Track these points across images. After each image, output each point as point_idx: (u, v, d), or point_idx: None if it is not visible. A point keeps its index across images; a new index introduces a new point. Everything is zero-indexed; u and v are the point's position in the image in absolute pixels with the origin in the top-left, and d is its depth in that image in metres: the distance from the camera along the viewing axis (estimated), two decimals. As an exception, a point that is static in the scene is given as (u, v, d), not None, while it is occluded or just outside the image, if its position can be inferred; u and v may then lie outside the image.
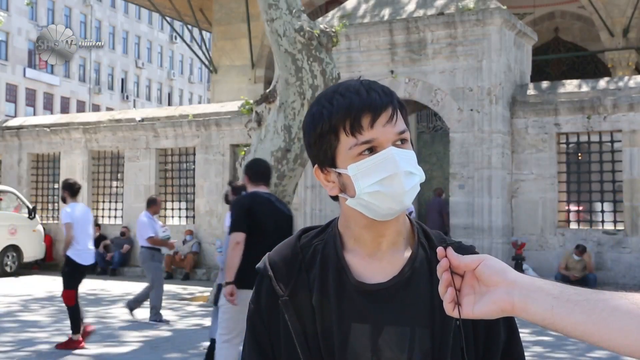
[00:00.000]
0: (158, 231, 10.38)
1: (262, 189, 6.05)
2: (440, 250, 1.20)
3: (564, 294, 1.09)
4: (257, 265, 1.51)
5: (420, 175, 1.39)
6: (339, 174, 1.41)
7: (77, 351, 8.47)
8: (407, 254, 1.45)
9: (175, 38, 59.39)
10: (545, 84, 15.54)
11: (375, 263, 1.44)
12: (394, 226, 1.44)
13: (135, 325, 10.15)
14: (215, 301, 6.67)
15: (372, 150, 1.36)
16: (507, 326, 1.46)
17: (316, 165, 1.44)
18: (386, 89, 1.41)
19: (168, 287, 12.81)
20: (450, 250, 1.19)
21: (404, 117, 1.41)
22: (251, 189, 6.12)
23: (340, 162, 1.40)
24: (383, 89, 1.40)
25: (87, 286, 15.13)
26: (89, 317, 11.26)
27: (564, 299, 1.09)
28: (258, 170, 6.19)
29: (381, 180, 1.35)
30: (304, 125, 1.45)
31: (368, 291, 1.41)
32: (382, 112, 1.37)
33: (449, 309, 1.17)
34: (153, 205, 10.68)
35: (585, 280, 13.47)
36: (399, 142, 1.38)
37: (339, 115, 1.37)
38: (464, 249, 1.47)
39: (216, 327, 6.60)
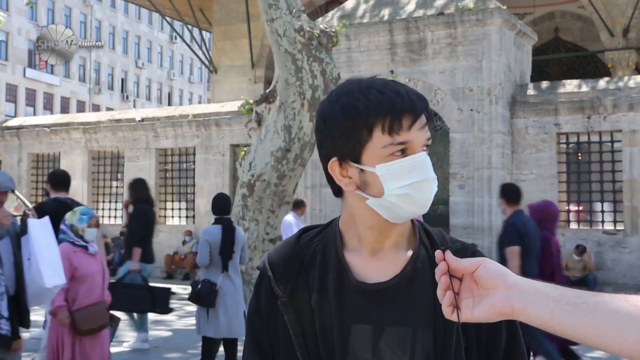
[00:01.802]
0: None
1: (62, 195, 7.29)
2: (438, 253, 1.19)
3: (564, 297, 1.09)
4: (257, 265, 1.50)
5: (436, 182, 1.40)
6: (362, 170, 1.38)
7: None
8: (409, 253, 1.44)
9: (175, 38, 59.36)
10: (545, 84, 15.54)
11: (377, 262, 1.43)
12: (400, 227, 1.43)
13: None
14: (194, 299, 6.86)
15: (403, 152, 1.35)
16: (508, 327, 1.45)
17: (334, 158, 1.40)
18: (420, 94, 1.40)
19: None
20: (448, 253, 1.18)
21: (430, 124, 1.41)
22: (53, 195, 7.33)
23: (366, 159, 1.36)
24: (417, 93, 1.39)
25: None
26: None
27: (563, 302, 1.08)
28: (59, 179, 7.53)
29: (412, 183, 1.34)
30: (328, 115, 1.40)
31: (369, 291, 1.40)
32: (420, 117, 1.36)
33: (448, 313, 1.17)
34: (301, 206, 10.79)
35: (585, 280, 13.46)
36: (424, 148, 1.38)
37: (380, 112, 1.34)
38: (465, 248, 1.46)
39: (204, 324, 6.76)
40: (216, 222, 6.97)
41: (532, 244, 6.78)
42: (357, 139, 1.36)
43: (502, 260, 6.50)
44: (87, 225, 5.45)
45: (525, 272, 6.33)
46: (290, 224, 10.39)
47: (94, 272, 5.43)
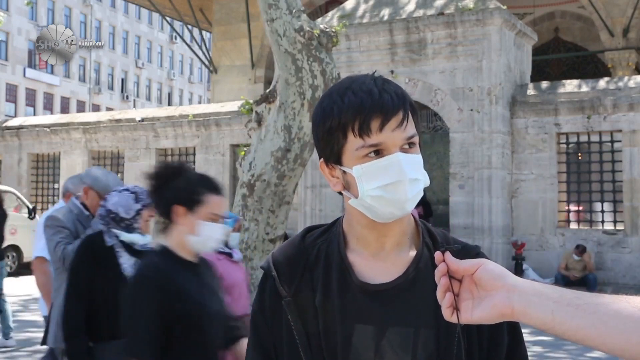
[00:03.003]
0: None
1: None
2: (438, 254, 1.19)
3: (564, 298, 1.09)
4: (261, 265, 1.50)
5: (424, 181, 1.38)
6: (344, 171, 1.38)
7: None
8: (412, 254, 1.44)
9: (175, 38, 59.36)
10: (545, 84, 15.54)
11: (379, 263, 1.42)
12: (397, 227, 1.42)
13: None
14: None
15: (378, 152, 1.33)
16: (510, 328, 1.44)
17: (322, 159, 1.41)
18: (399, 91, 1.37)
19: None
20: (448, 254, 1.18)
21: (415, 120, 1.37)
22: None
23: (346, 160, 1.37)
24: (396, 90, 1.36)
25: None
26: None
27: (564, 303, 1.08)
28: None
29: (385, 185, 1.33)
30: (314, 117, 1.42)
31: (372, 291, 1.40)
32: (393, 117, 1.33)
33: (448, 314, 1.16)
34: None
35: (585, 280, 13.46)
36: (406, 146, 1.35)
37: (349, 115, 1.34)
38: (468, 250, 1.46)
39: None
40: None
41: None
42: (335, 140, 1.37)
43: None
44: (231, 229, 4.90)
45: None
46: None
47: (239, 281, 4.74)
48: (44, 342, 4.25)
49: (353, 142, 1.34)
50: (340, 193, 1.45)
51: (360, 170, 1.34)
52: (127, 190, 3.86)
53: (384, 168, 1.33)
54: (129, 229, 3.75)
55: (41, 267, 4.80)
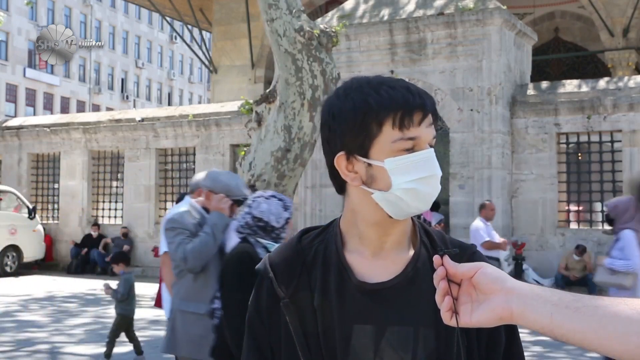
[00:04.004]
0: (493, 236, 9.72)
1: None
2: (436, 258, 1.19)
3: (563, 301, 1.09)
4: (257, 266, 1.50)
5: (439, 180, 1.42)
6: (369, 165, 1.38)
7: (75, 351, 8.47)
8: (410, 253, 1.45)
9: (175, 38, 59.37)
10: (545, 84, 15.54)
11: (378, 262, 1.43)
12: (401, 225, 1.43)
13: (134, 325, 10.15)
14: None
15: (409, 149, 1.37)
16: (507, 328, 1.45)
17: (342, 153, 1.40)
18: (428, 93, 1.42)
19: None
20: (446, 258, 1.18)
21: (436, 122, 1.43)
22: None
23: (374, 153, 1.37)
24: (425, 92, 1.41)
25: (87, 286, 15.14)
26: (88, 316, 11.28)
27: (562, 306, 1.08)
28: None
29: (420, 179, 1.36)
30: (338, 110, 1.40)
31: (370, 291, 1.40)
32: (429, 113, 1.38)
33: (447, 318, 1.17)
34: (483, 209, 10.16)
35: (586, 280, 13.46)
36: (430, 146, 1.40)
37: (391, 107, 1.36)
38: (464, 249, 1.47)
39: None
40: None
41: None
42: (367, 133, 1.37)
43: None
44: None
45: None
46: (478, 229, 9.72)
47: None
48: (212, 354, 3.69)
49: (389, 135, 1.36)
50: (339, 192, 1.46)
51: (394, 163, 1.36)
52: (274, 197, 3.58)
53: (418, 162, 1.36)
54: (277, 239, 3.47)
55: (169, 262, 4.54)
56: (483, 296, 1.14)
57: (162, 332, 9.78)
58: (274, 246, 3.27)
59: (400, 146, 1.36)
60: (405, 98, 1.36)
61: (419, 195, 1.36)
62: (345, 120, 1.39)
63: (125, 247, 17.67)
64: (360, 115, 1.37)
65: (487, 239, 9.62)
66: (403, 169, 1.36)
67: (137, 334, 9.63)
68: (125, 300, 7.88)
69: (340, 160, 1.41)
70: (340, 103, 1.41)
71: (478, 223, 9.90)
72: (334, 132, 1.41)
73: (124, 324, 7.98)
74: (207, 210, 4.25)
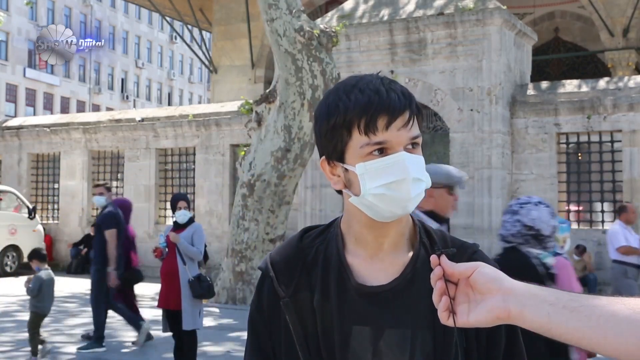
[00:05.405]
0: (631, 240, 8.90)
1: None
2: (433, 258, 1.19)
3: (560, 301, 1.09)
4: (259, 265, 1.50)
5: (426, 182, 1.37)
6: (346, 169, 1.38)
7: (76, 351, 8.47)
8: (409, 254, 1.44)
9: (175, 38, 59.35)
10: (545, 84, 15.53)
11: (377, 264, 1.42)
12: (396, 227, 1.42)
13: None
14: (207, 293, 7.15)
15: (382, 151, 1.34)
16: (508, 329, 1.44)
17: (323, 157, 1.41)
18: (405, 91, 1.37)
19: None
20: (443, 258, 1.18)
21: (419, 121, 1.38)
22: None
23: (349, 158, 1.37)
24: (402, 90, 1.37)
25: (87, 286, 15.12)
26: (88, 316, 11.24)
27: (560, 306, 1.08)
28: None
29: (389, 183, 1.33)
30: (317, 113, 1.41)
31: (369, 293, 1.40)
32: (399, 116, 1.34)
33: (444, 318, 1.16)
34: (624, 212, 9.26)
35: (585, 280, 13.45)
36: (410, 147, 1.35)
37: (355, 112, 1.34)
38: (465, 248, 1.46)
39: (189, 318, 7.11)
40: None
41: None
42: (339, 138, 1.36)
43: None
44: (568, 234, 4.45)
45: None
46: (615, 233, 9.01)
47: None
48: None
49: (358, 140, 1.34)
50: (339, 192, 1.45)
51: (364, 167, 1.34)
52: (541, 203, 3.40)
53: (387, 166, 1.33)
54: (547, 248, 3.32)
55: None
56: (480, 296, 1.14)
57: (162, 332, 9.76)
58: (547, 257, 3.21)
59: (368, 150, 1.33)
60: (370, 102, 1.33)
61: (392, 200, 1.33)
62: (321, 125, 1.40)
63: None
64: (332, 120, 1.36)
65: (624, 243, 8.87)
66: (373, 174, 1.34)
67: (137, 333, 9.63)
68: (36, 297, 7.87)
69: (323, 164, 1.42)
70: (320, 106, 1.41)
71: (615, 227, 9.19)
72: (316, 135, 1.42)
73: (37, 321, 7.98)
74: (431, 214, 3.68)
